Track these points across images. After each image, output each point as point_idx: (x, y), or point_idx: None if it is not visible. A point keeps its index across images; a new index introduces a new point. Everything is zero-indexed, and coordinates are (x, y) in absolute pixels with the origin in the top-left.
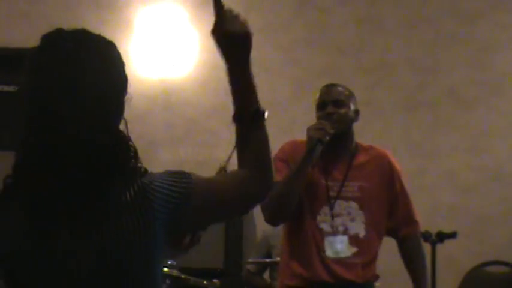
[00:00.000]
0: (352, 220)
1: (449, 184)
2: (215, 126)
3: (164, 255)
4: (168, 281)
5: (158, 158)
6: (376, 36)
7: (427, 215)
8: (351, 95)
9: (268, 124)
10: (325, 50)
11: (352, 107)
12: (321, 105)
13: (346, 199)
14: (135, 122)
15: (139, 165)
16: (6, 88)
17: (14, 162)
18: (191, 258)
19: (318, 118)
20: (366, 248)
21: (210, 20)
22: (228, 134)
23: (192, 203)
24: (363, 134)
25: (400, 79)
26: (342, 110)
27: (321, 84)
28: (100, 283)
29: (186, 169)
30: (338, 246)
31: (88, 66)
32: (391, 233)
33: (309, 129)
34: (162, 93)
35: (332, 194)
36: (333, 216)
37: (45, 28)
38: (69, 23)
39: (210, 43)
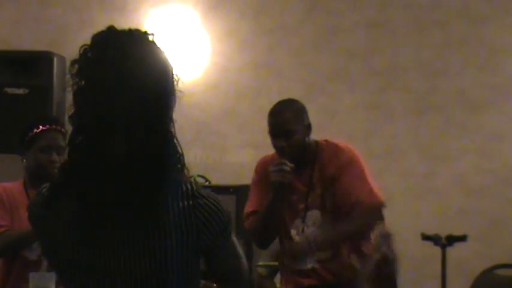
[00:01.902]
0: (318, 227)
1: (459, 187)
2: (225, 129)
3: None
4: None
5: None
6: (386, 39)
7: (437, 218)
8: (298, 115)
9: None
10: (335, 54)
11: (303, 125)
12: (272, 136)
13: (312, 209)
14: None
15: (185, 170)
16: (16, 91)
17: (64, 160)
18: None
19: (273, 146)
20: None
21: (220, 23)
22: (237, 137)
23: (214, 248)
24: (373, 137)
25: (410, 82)
26: (293, 139)
27: (331, 87)
28: (141, 282)
29: (196, 171)
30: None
31: (142, 65)
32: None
33: (270, 174)
34: None
35: (301, 206)
36: (303, 229)
37: (55, 31)
38: (79, 26)
39: (221, 46)
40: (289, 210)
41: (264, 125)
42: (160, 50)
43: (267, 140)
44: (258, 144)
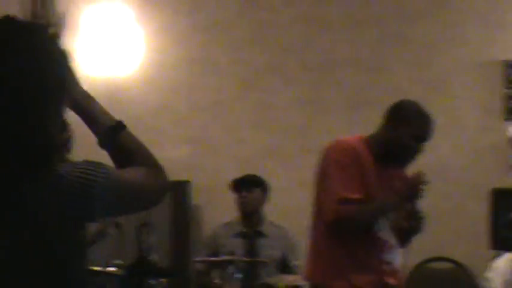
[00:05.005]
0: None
1: None
2: (161, 124)
3: (87, 247)
4: (115, 281)
5: (104, 157)
6: (321, 35)
7: None
8: None
9: (214, 123)
10: (270, 49)
11: None
12: (420, 138)
13: None
14: (79, 121)
15: (58, 155)
16: None
17: None
18: (139, 257)
19: (408, 146)
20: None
21: (155, 18)
22: (173, 132)
23: (107, 194)
24: (307, 131)
25: (345, 78)
26: None
27: (267, 82)
28: (18, 278)
29: None
30: (397, 259)
31: (16, 59)
32: None
33: (417, 186)
34: (107, 92)
35: None
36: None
37: None
38: None
39: (156, 42)
40: None
41: (200, 120)
42: (45, 44)
43: (203, 135)
44: (194, 140)
